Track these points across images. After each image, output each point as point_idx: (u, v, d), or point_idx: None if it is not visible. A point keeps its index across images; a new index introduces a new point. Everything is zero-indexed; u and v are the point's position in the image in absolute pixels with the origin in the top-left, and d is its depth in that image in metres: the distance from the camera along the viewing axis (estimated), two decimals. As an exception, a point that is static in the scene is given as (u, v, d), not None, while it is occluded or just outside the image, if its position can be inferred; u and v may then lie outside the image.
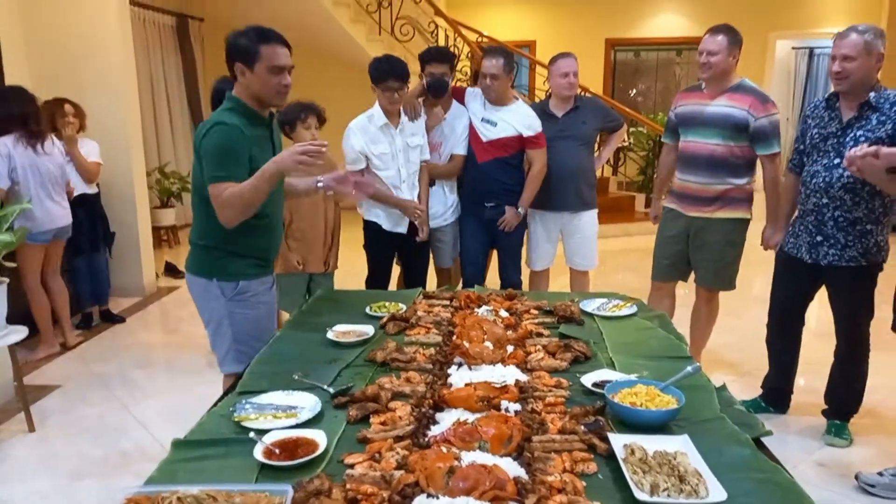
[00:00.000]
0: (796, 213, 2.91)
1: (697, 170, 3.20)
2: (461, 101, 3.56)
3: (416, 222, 3.33)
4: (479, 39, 7.68)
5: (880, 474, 2.53)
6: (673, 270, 3.45)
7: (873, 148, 2.15)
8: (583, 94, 4.67)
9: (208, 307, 2.30)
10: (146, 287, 5.17)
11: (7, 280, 2.93)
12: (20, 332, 3.01)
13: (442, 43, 7.32)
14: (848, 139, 2.63)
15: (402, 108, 3.26)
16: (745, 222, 3.21)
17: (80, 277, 4.41)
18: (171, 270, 5.76)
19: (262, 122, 2.23)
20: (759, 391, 3.21)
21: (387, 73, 3.08)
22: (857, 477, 2.55)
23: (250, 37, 2.11)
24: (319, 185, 2.34)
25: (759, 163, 3.16)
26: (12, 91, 3.70)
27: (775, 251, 3.05)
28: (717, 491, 1.29)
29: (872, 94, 2.58)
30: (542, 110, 3.62)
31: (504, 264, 3.68)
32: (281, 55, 2.13)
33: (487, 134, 3.45)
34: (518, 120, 3.44)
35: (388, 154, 3.23)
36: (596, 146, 4.25)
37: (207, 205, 2.15)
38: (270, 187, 2.09)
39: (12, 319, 3.00)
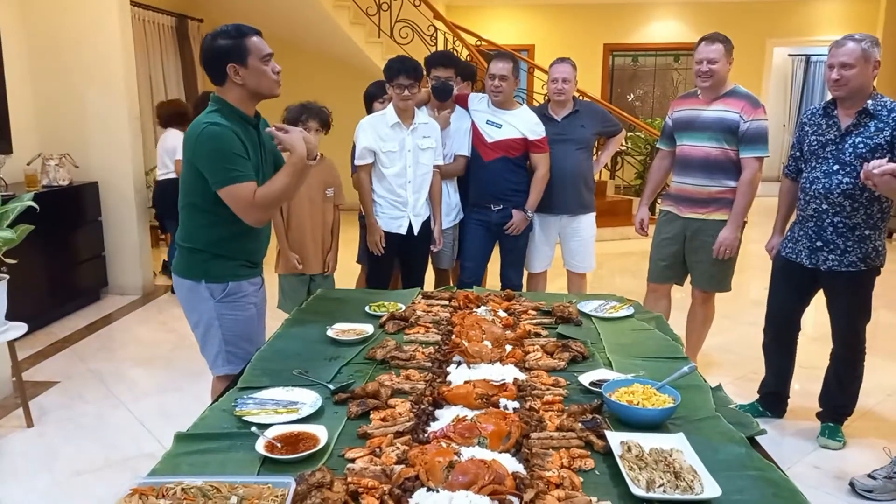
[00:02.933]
0: (794, 219, 2.94)
1: (693, 172, 3.25)
2: (464, 106, 3.61)
3: (372, 249, 3.36)
4: (478, 43, 7.72)
5: (871, 476, 2.56)
6: (669, 272, 3.48)
7: (891, 166, 2.19)
8: (581, 98, 4.70)
9: (197, 309, 2.28)
10: (144, 286, 5.18)
11: (7, 276, 2.94)
12: (19, 328, 3.02)
13: (441, 46, 7.36)
14: (847, 146, 2.66)
15: (425, 112, 3.35)
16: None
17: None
18: (168, 269, 5.78)
19: (248, 123, 2.20)
20: (756, 395, 3.23)
21: (398, 70, 3.13)
22: (851, 484, 2.57)
23: (230, 35, 2.11)
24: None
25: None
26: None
27: (772, 256, 3.08)
28: (711, 487, 1.31)
29: (870, 102, 2.62)
30: (541, 113, 3.66)
31: (506, 266, 3.71)
32: (264, 44, 2.15)
33: (493, 135, 3.48)
34: (523, 124, 3.48)
35: (396, 152, 3.27)
36: (594, 151, 4.28)
37: (194, 207, 2.17)
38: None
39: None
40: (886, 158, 2.35)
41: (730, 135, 3.12)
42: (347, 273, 3.79)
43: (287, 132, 2.13)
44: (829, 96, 2.75)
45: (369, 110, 3.67)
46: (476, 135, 3.54)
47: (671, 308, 3.60)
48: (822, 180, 2.72)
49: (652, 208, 3.69)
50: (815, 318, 3.44)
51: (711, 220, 3.25)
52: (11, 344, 3.08)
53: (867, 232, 2.69)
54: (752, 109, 3.10)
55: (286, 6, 6.54)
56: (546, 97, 3.93)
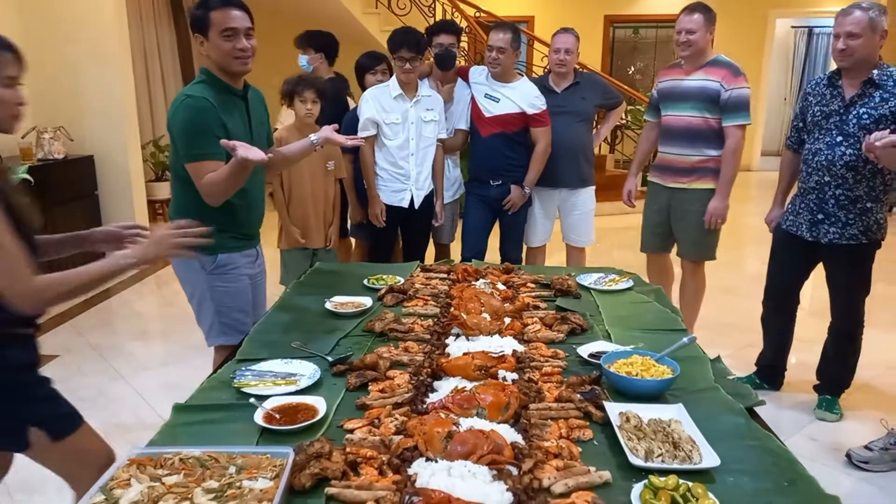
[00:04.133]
0: (795, 191, 2.92)
1: (676, 141, 3.28)
2: (465, 78, 3.56)
3: (374, 222, 3.35)
4: (478, 15, 7.60)
5: (868, 448, 2.58)
6: (658, 241, 3.52)
7: (893, 138, 2.16)
8: (582, 70, 4.64)
9: (190, 281, 2.29)
10: (142, 260, 5.16)
11: (3, 250, 2.92)
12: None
13: (439, 17, 7.25)
14: (851, 117, 2.63)
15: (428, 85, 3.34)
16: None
17: None
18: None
19: (232, 92, 2.17)
20: (752, 368, 3.24)
21: (400, 42, 3.12)
22: (848, 455, 2.59)
23: (204, 5, 2.08)
24: (314, 140, 2.32)
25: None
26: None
27: (771, 229, 3.07)
28: (710, 457, 1.31)
29: (875, 72, 2.58)
30: (542, 85, 3.60)
31: (505, 241, 3.70)
32: (233, 17, 2.07)
33: (491, 109, 3.44)
34: (521, 97, 3.42)
35: (399, 124, 3.25)
36: (594, 123, 4.22)
37: (183, 180, 2.14)
38: (246, 178, 2.06)
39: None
40: (889, 130, 2.32)
41: (711, 104, 3.14)
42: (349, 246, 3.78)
43: (233, 147, 1.94)
44: (831, 68, 2.72)
45: (360, 82, 3.63)
46: (474, 109, 3.49)
47: (673, 278, 3.63)
48: (825, 152, 2.69)
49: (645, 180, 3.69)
50: (814, 292, 3.44)
51: (693, 188, 3.27)
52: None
53: (869, 205, 2.67)
54: (733, 78, 3.11)
55: (282, -24, 6.43)
56: (546, 68, 3.87)
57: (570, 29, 3.58)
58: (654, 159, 3.63)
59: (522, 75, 3.63)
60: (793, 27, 11.44)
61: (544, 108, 3.44)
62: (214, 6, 2.07)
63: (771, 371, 3.18)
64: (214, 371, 1.77)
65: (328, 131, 2.34)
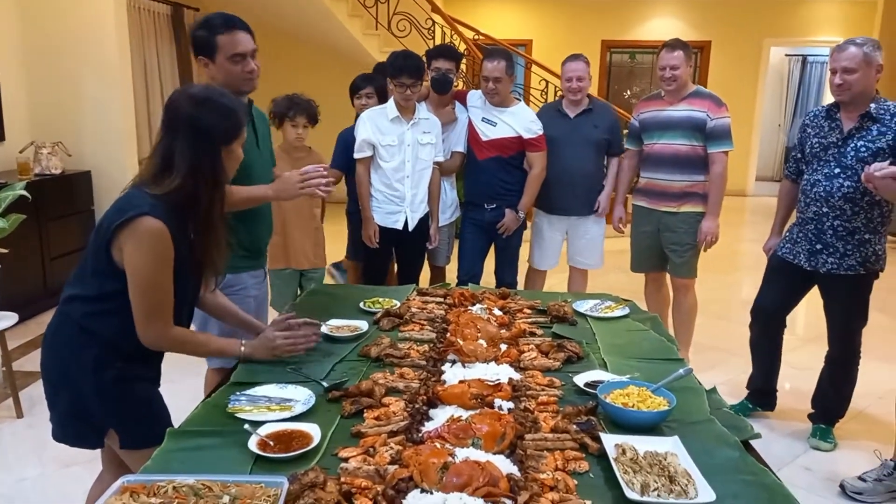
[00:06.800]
0: (794, 220, 2.96)
1: (664, 168, 3.43)
2: (463, 102, 3.58)
3: (367, 243, 3.34)
4: (476, 37, 7.68)
5: (862, 479, 2.57)
6: (649, 261, 3.64)
7: (892, 169, 2.20)
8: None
9: None
10: (136, 276, 5.14)
11: (-2, 266, 2.92)
12: (10, 318, 3.00)
13: (438, 40, 7.33)
14: (849, 149, 2.67)
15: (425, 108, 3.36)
16: (703, 215, 3.42)
17: None
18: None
19: None
20: (744, 393, 3.25)
21: (400, 69, 3.13)
22: (842, 486, 2.58)
23: (208, 27, 2.08)
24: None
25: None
26: None
27: (767, 255, 3.10)
28: (705, 492, 1.30)
29: (873, 105, 2.62)
30: (555, 109, 3.64)
31: (500, 264, 3.70)
32: (240, 41, 2.09)
33: (487, 133, 3.46)
34: (518, 122, 3.44)
35: (395, 146, 3.26)
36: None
37: None
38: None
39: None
40: (888, 162, 2.35)
41: (697, 132, 3.31)
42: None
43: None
44: (825, 96, 2.78)
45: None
46: (471, 132, 3.52)
47: (670, 297, 3.70)
48: (823, 183, 2.72)
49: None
50: (809, 320, 3.46)
51: (682, 212, 3.44)
52: (2, 334, 3.05)
53: (867, 236, 2.70)
54: (717, 108, 3.31)
55: (283, -4, 6.49)
56: (558, 94, 3.89)
57: (580, 55, 3.58)
58: (636, 184, 3.72)
59: (519, 100, 3.65)
60: (787, 55, 11.60)
61: (541, 132, 3.46)
62: (219, 30, 2.07)
63: (762, 395, 3.20)
64: (209, 395, 1.75)
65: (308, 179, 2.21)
